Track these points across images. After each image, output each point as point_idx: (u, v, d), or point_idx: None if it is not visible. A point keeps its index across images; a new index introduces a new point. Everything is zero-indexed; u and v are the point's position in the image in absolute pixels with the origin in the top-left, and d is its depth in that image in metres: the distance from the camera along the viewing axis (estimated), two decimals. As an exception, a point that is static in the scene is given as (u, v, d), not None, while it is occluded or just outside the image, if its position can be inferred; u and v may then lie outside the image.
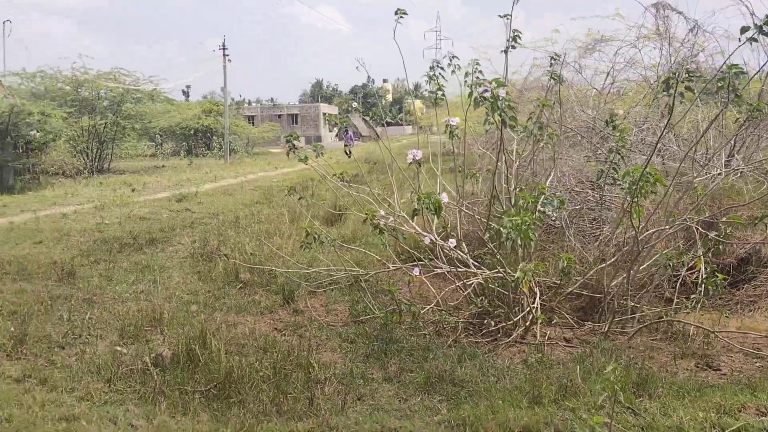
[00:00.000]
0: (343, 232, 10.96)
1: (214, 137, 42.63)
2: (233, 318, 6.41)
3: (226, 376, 4.35)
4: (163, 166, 29.86)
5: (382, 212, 6.30)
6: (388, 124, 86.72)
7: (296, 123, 65.25)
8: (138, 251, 9.36)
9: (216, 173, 22.35)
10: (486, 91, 4.86)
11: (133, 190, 16.82)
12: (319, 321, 6.27)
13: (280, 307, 6.77)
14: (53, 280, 7.66)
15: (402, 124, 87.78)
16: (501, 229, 4.95)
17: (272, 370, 4.59)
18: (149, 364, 4.84)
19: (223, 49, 39.16)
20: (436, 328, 5.90)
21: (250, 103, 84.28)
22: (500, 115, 4.87)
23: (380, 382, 4.61)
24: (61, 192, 16.17)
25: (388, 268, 7.61)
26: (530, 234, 4.79)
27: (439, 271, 6.65)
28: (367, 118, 74.58)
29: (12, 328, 5.83)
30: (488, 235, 6.05)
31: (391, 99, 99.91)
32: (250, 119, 59.41)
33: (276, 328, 6.13)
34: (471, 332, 5.90)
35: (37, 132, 19.51)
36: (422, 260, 7.10)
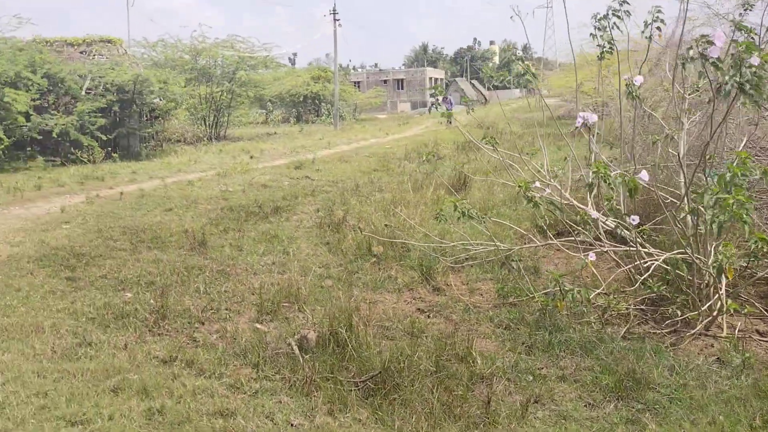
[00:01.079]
0: (470, 202, 10.34)
1: (323, 104, 42.82)
2: (370, 295, 5.99)
3: (384, 368, 3.90)
4: (275, 132, 30.22)
5: (538, 183, 5.60)
6: (495, 87, 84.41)
7: (402, 88, 64.64)
8: (263, 220, 9.17)
9: (329, 140, 22.21)
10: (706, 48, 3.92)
11: (251, 157, 16.90)
12: (464, 302, 5.73)
13: (419, 284, 6.28)
14: (186, 249, 7.56)
15: (510, 87, 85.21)
16: (702, 208, 4.15)
17: (432, 362, 4.10)
18: (293, 347, 4.49)
19: (334, 13, 38.97)
20: (603, 316, 5.21)
21: (355, 69, 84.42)
22: (740, 85, 3.82)
23: (555, 381, 4.01)
24: (185, 159, 16.49)
25: (533, 242, 6.94)
26: (745, 216, 3.96)
27: (598, 250, 5.91)
28: (475, 83, 72.92)
29: (152, 300, 5.69)
30: (684, 213, 5.20)
31: (497, 61, 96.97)
32: (356, 84, 59.38)
33: (419, 309, 5.64)
34: (643, 322, 5.17)
35: (160, 100, 20.03)
36: (573, 236, 6.39)
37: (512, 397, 3.75)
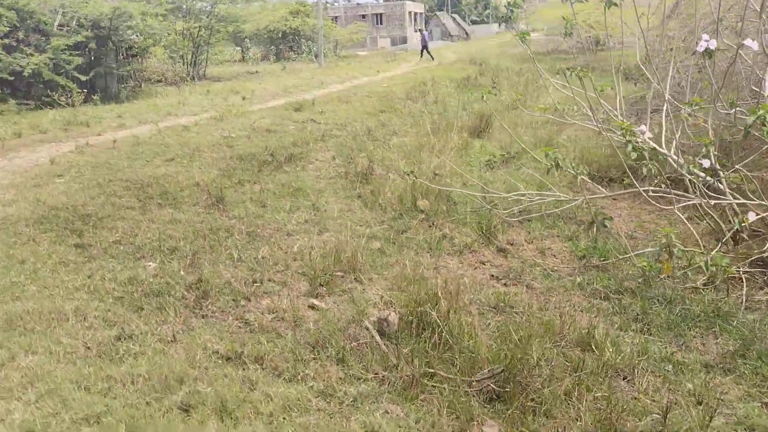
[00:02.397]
0: (494, 146, 9.57)
1: (302, 40, 41.00)
2: (427, 259, 5.27)
3: (507, 364, 3.19)
4: (256, 71, 28.72)
5: (644, 127, 4.84)
6: (473, 22, 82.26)
7: (381, 23, 62.45)
8: (278, 170, 8.31)
9: (320, 78, 21.00)
10: None
11: (243, 99, 15.77)
12: (541, 265, 5.04)
13: (480, 244, 5.56)
14: (202, 206, 6.72)
15: (488, 22, 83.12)
16: None
17: (551, 351, 3.41)
18: (373, 333, 3.77)
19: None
20: (709, 281, 4.56)
21: (331, 3, 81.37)
22: None
23: (702, 371, 3.36)
24: (172, 101, 15.30)
25: (597, 192, 6.25)
26: None
27: (691, 202, 5.23)
28: (456, 17, 70.77)
29: (182, 272, 4.90)
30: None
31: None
32: (334, 20, 57.15)
33: (492, 275, 4.95)
34: (756, 287, 4.54)
35: (138, 36, 18.58)
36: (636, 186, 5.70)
37: (666, 396, 3.10)
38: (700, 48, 4.31)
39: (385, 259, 5.24)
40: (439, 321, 3.71)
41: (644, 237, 5.60)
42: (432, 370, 3.34)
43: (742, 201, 4.84)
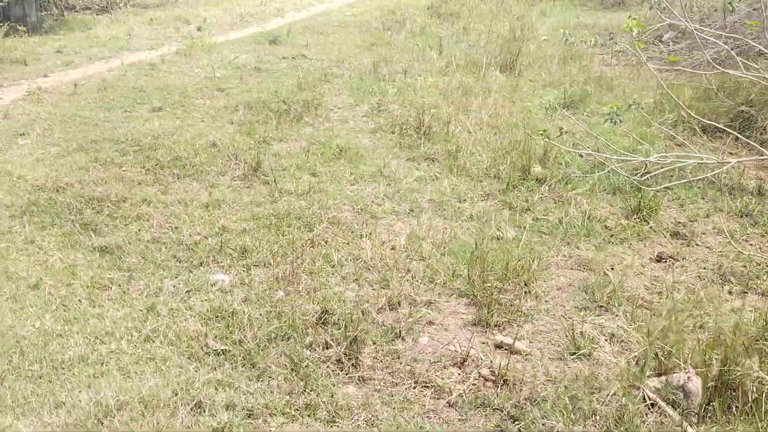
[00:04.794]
0: (538, 86, 8.21)
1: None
2: (576, 252, 3.97)
3: None
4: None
5: None
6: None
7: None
8: (298, 121, 6.68)
9: (274, 5, 18.65)
10: None
11: (199, 29, 13.57)
12: (760, 258, 3.82)
13: (641, 226, 4.27)
14: (233, 176, 5.12)
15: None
16: None
17: None
18: (664, 409, 2.47)
19: None
20: None
21: None
22: None
23: None
24: (116, 33, 12.91)
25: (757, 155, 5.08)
26: None
27: None
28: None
29: (281, 293, 3.40)
30: None
31: None
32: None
33: (699, 277, 3.68)
34: None
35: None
36: None
37: None
38: None
39: (547, 257, 3.89)
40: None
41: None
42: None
43: None
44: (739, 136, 5.39)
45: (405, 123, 6.48)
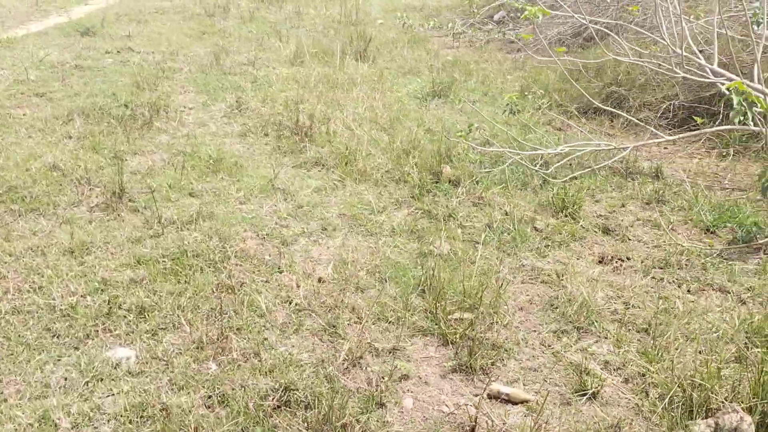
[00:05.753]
0: (397, 73, 7.87)
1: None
2: (520, 263, 3.68)
3: None
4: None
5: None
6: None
7: None
8: (149, 128, 5.73)
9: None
10: None
11: (-15, 20, 11.49)
12: (698, 248, 3.74)
13: (571, 225, 4.06)
14: (93, 206, 4.17)
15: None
16: None
17: None
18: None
19: None
20: None
21: None
22: None
23: None
24: None
25: (654, 138, 5.13)
26: None
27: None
28: None
29: (212, 365, 2.70)
30: None
31: None
32: None
33: (654, 277, 3.51)
34: None
35: None
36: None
37: None
38: None
39: (495, 272, 3.51)
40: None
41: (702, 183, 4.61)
42: None
43: None
44: (631, 118, 5.44)
45: (277, 123, 5.81)
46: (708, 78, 4.87)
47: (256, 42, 9.53)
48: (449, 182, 4.54)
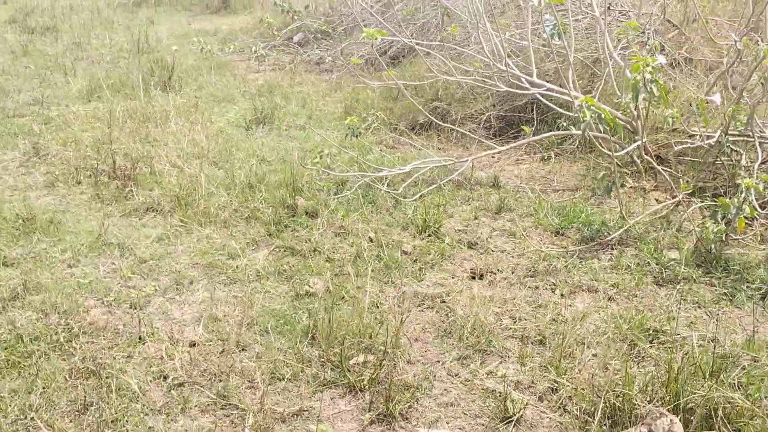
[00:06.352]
0: (210, 102, 7.45)
1: None
2: (401, 290, 3.60)
3: None
4: None
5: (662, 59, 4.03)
6: None
7: None
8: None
9: None
10: None
11: None
12: (556, 251, 3.89)
13: (437, 243, 4.05)
14: None
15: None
16: None
17: None
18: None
19: None
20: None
21: None
22: None
23: None
24: None
25: (487, 150, 5.33)
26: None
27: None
28: None
29: None
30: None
31: None
32: None
33: (530, 287, 3.58)
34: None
35: None
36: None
37: None
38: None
39: (380, 301, 3.35)
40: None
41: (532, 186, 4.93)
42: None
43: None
44: (461, 130, 5.63)
45: (90, 168, 5.16)
46: (528, 89, 5.18)
47: (39, 78, 8.48)
48: (306, 214, 4.31)
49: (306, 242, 4.01)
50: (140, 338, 3.05)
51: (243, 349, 3.01)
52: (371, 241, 4.05)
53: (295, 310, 3.31)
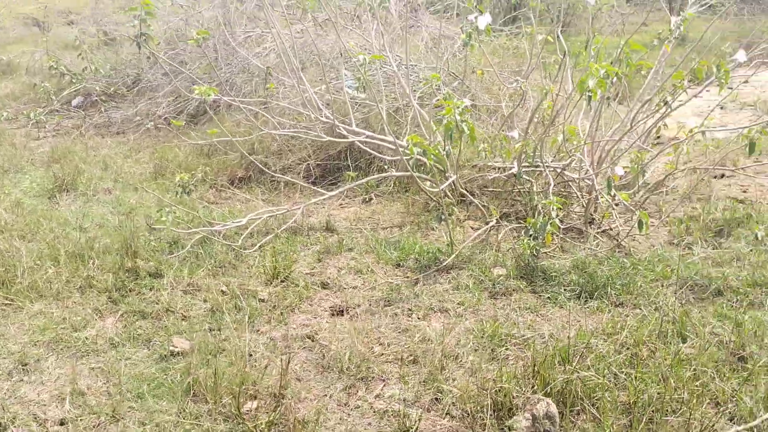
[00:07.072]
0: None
1: None
2: (279, 333, 3.67)
3: None
4: None
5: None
6: None
7: None
8: None
9: None
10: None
11: None
12: (403, 281, 4.18)
13: (297, 287, 4.14)
14: None
15: None
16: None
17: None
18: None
19: None
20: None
21: None
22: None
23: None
24: None
25: (317, 196, 5.54)
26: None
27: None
28: None
29: None
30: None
31: None
32: None
33: (391, 316, 3.81)
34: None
35: None
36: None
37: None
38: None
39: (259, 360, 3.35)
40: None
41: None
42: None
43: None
44: (288, 179, 5.78)
45: None
46: (348, 138, 5.53)
47: None
48: (149, 276, 4.16)
49: (156, 303, 3.87)
50: (2, 425, 2.74)
51: (120, 419, 2.84)
52: (224, 293, 4.02)
53: (164, 372, 3.20)
